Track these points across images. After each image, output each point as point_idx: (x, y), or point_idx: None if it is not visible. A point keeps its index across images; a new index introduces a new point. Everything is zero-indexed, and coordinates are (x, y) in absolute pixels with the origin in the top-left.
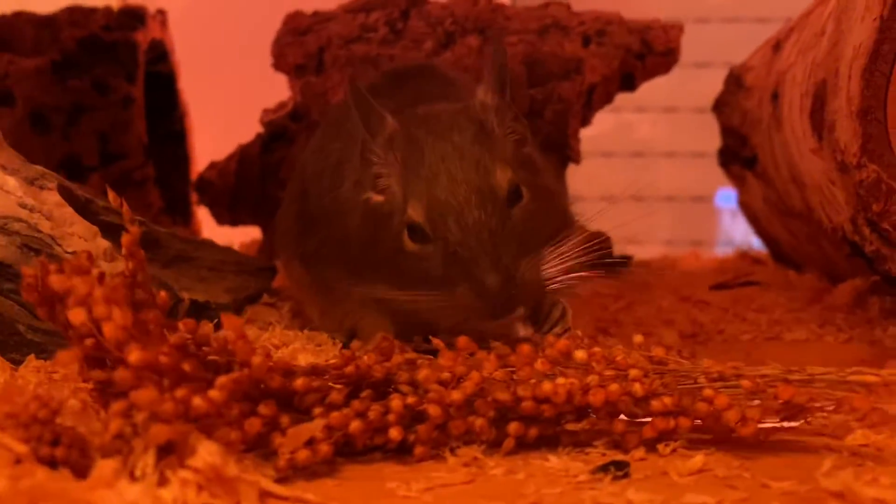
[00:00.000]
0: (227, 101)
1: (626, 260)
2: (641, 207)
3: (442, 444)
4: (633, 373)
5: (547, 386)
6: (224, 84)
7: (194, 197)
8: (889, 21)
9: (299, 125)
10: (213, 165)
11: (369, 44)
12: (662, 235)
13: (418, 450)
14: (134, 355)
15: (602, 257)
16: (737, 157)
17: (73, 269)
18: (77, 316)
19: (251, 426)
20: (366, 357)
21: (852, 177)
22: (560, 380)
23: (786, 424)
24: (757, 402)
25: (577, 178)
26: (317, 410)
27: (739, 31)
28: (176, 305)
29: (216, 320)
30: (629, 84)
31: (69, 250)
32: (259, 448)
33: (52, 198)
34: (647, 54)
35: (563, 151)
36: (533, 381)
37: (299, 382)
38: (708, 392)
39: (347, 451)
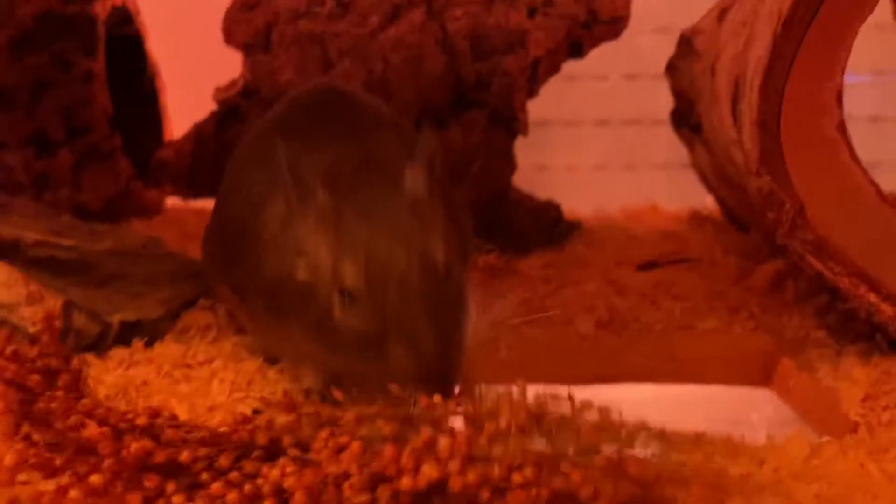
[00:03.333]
0: (201, 58)
1: (571, 229)
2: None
3: None
4: (495, 451)
5: (406, 481)
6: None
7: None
8: (781, 40)
9: (251, 102)
10: (168, 145)
11: (316, 19)
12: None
13: None
14: (9, 458)
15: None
16: (686, 121)
17: None
18: None
19: (133, 501)
20: (256, 420)
21: (753, 181)
22: (424, 468)
23: None
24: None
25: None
26: (204, 476)
27: None
28: (106, 330)
29: (147, 337)
30: (577, 51)
31: None
32: None
33: None
34: (593, 23)
35: (510, 124)
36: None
37: (185, 456)
38: (565, 467)
39: None
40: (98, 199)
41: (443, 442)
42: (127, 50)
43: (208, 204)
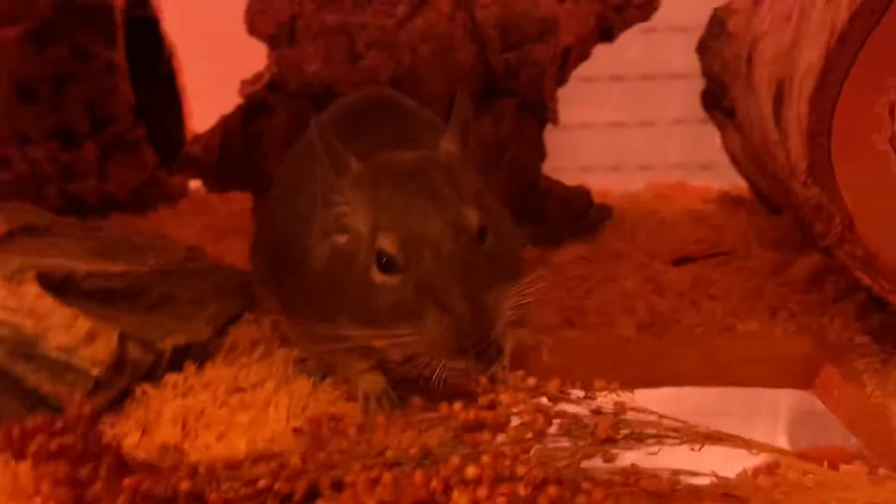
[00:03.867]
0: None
1: (603, 215)
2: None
3: None
4: (520, 471)
5: None
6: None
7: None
8: (835, 53)
9: (277, 96)
10: (196, 139)
11: (342, 9)
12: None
13: None
14: None
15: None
16: (718, 104)
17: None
18: None
19: None
20: (293, 462)
21: (801, 191)
22: (455, 495)
23: None
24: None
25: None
26: None
27: None
28: (159, 358)
29: (199, 361)
30: (607, 36)
31: (52, 344)
32: None
33: (32, 290)
34: (625, 6)
35: (540, 113)
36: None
37: None
38: (585, 485)
39: None
40: (124, 189)
41: (471, 470)
42: (143, 32)
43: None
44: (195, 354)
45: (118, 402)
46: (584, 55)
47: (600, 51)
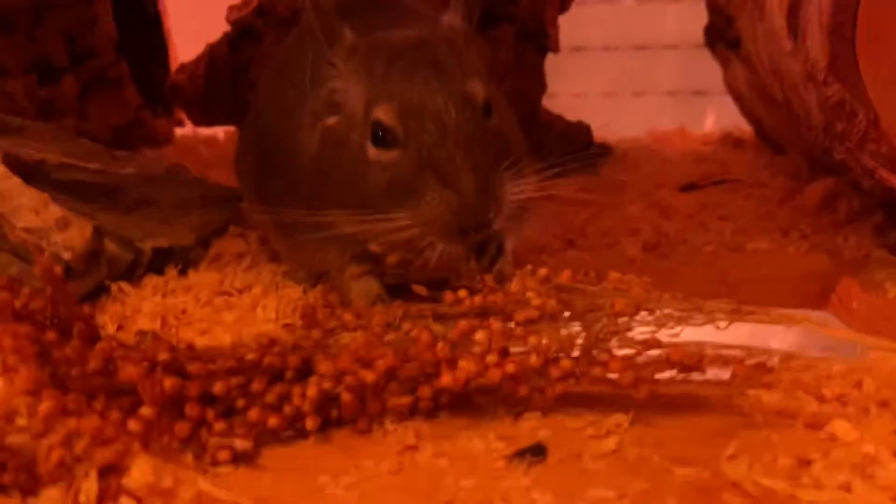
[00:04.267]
0: None
1: (604, 151)
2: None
3: (366, 418)
4: (532, 340)
5: (446, 378)
6: None
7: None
8: None
9: (266, 21)
10: (182, 68)
11: None
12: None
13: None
14: (43, 406)
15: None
16: (722, 37)
17: None
18: None
19: (181, 430)
20: (283, 339)
21: (820, 90)
22: (461, 363)
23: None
24: (654, 352)
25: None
26: (239, 402)
27: None
28: (139, 257)
29: (180, 265)
30: None
31: (20, 225)
32: (191, 442)
33: None
34: None
35: (541, 40)
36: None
37: (217, 388)
38: (602, 356)
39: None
40: (106, 128)
41: (479, 334)
42: None
43: (218, 133)
44: (177, 259)
45: (93, 298)
46: None
47: (593, 21)
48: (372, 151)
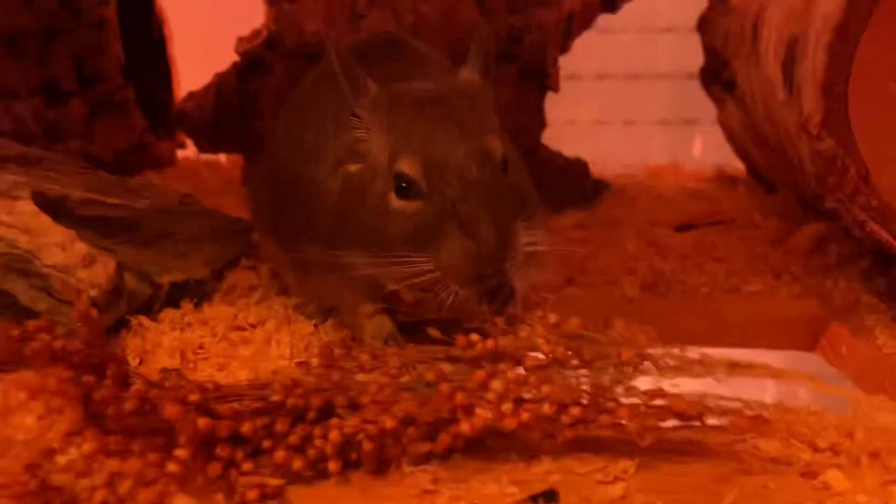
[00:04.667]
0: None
1: (601, 188)
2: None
3: (384, 461)
4: (545, 390)
5: (465, 425)
6: None
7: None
8: (855, 2)
9: (275, 54)
10: (190, 96)
11: None
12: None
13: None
14: (87, 446)
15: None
16: (717, 78)
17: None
18: (38, 408)
19: (213, 470)
20: (307, 380)
21: (813, 144)
22: (478, 410)
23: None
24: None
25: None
26: (266, 443)
27: None
28: (157, 291)
29: (196, 299)
30: (610, 6)
31: (48, 263)
32: (221, 481)
33: (27, 208)
34: None
35: (542, 80)
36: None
37: (245, 428)
38: (610, 405)
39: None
40: (110, 151)
41: (496, 383)
42: None
43: (220, 156)
44: (192, 293)
45: (114, 333)
46: (588, 23)
47: (586, 50)
48: (395, 202)
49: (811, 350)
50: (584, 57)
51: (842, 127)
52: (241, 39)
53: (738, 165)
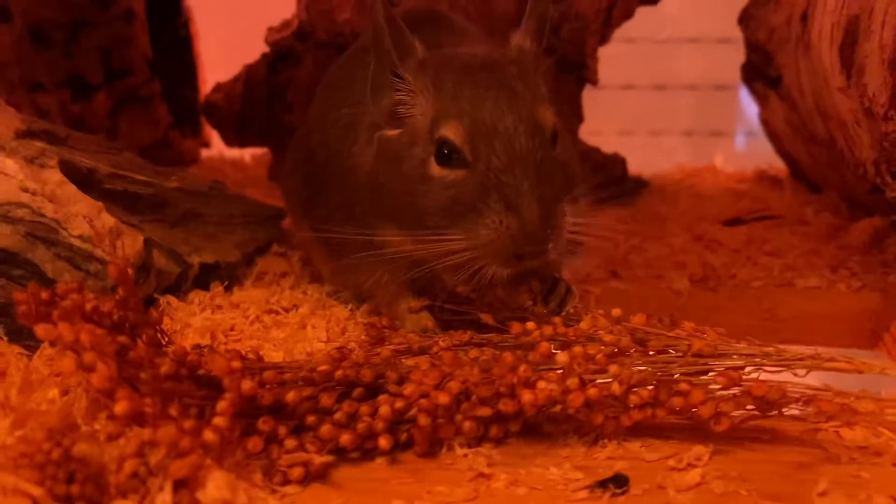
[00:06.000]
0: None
1: (640, 184)
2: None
3: (435, 443)
4: (613, 369)
5: (527, 396)
6: None
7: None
8: None
9: (306, 45)
10: (218, 87)
11: None
12: (683, 126)
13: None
14: (119, 406)
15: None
16: (761, 74)
17: (63, 315)
18: (67, 364)
19: (254, 445)
20: (355, 354)
21: (878, 126)
22: (541, 384)
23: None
24: (733, 391)
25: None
26: (310, 418)
27: None
28: (185, 271)
29: (226, 282)
30: None
31: (74, 233)
32: (260, 457)
33: (54, 177)
34: None
35: (580, 72)
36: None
37: (290, 396)
38: (683, 386)
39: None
40: (134, 147)
41: (562, 356)
42: None
43: (245, 155)
44: (222, 276)
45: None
46: (628, 13)
47: (612, 59)
48: (435, 168)
49: (872, 348)
50: (609, 67)
51: None
52: (271, 30)
53: (779, 167)
